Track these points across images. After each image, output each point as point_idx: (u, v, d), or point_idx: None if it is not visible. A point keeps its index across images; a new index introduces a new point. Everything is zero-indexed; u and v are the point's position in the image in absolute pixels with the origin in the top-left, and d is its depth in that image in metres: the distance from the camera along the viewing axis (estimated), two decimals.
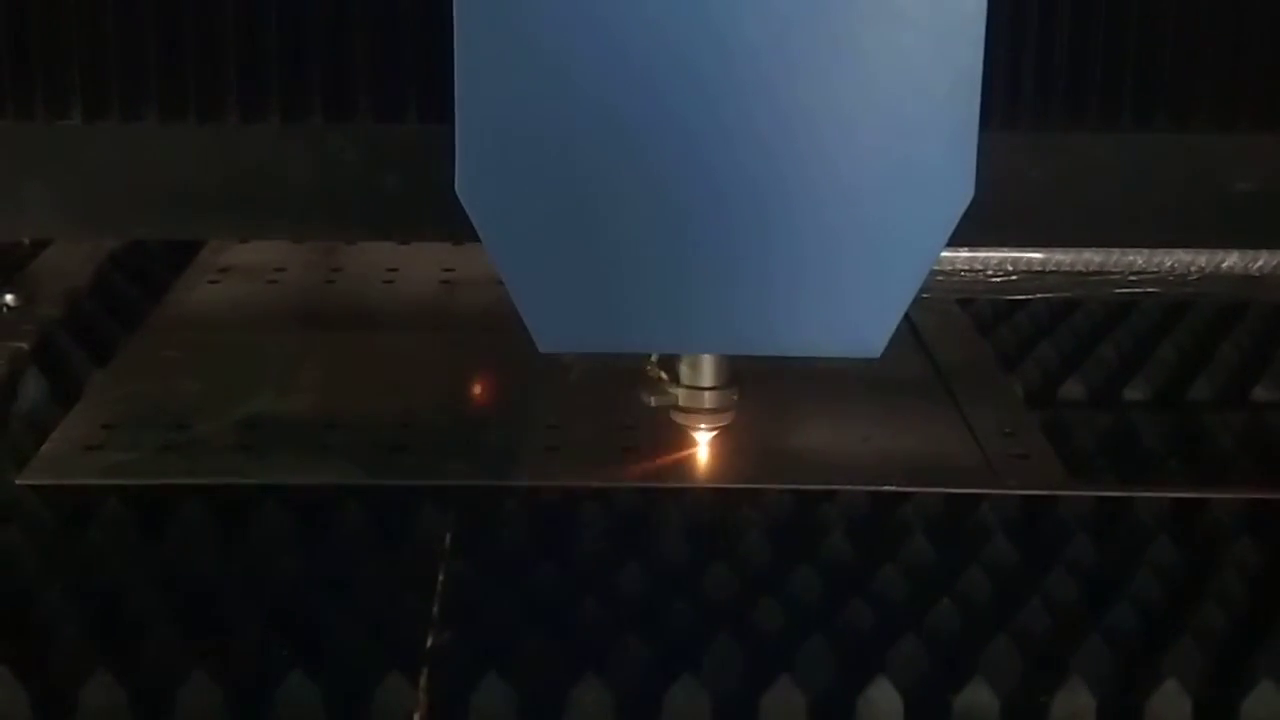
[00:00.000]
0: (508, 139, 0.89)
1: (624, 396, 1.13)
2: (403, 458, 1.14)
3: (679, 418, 1.07)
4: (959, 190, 0.90)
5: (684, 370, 1.05)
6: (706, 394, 1.05)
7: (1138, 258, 1.36)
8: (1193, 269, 1.35)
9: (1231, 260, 1.37)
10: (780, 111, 0.89)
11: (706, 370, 1.05)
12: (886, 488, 1.11)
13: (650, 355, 1.06)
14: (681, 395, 1.06)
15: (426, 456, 1.14)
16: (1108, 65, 1.08)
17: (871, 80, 0.89)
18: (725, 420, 1.07)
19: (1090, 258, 1.38)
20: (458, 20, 0.89)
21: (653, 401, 1.07)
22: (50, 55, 1.08)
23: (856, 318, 0.92)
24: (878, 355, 0.93)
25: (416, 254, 1.49)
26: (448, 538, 1.07)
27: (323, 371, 1.27)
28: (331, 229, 1.22)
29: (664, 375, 1.06)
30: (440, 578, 1.03)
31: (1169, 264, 1.35)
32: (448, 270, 1.47)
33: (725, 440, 1.12)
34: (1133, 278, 1.37)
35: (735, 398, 1.06)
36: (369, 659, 0.94)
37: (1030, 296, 1.42)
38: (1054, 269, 1.39)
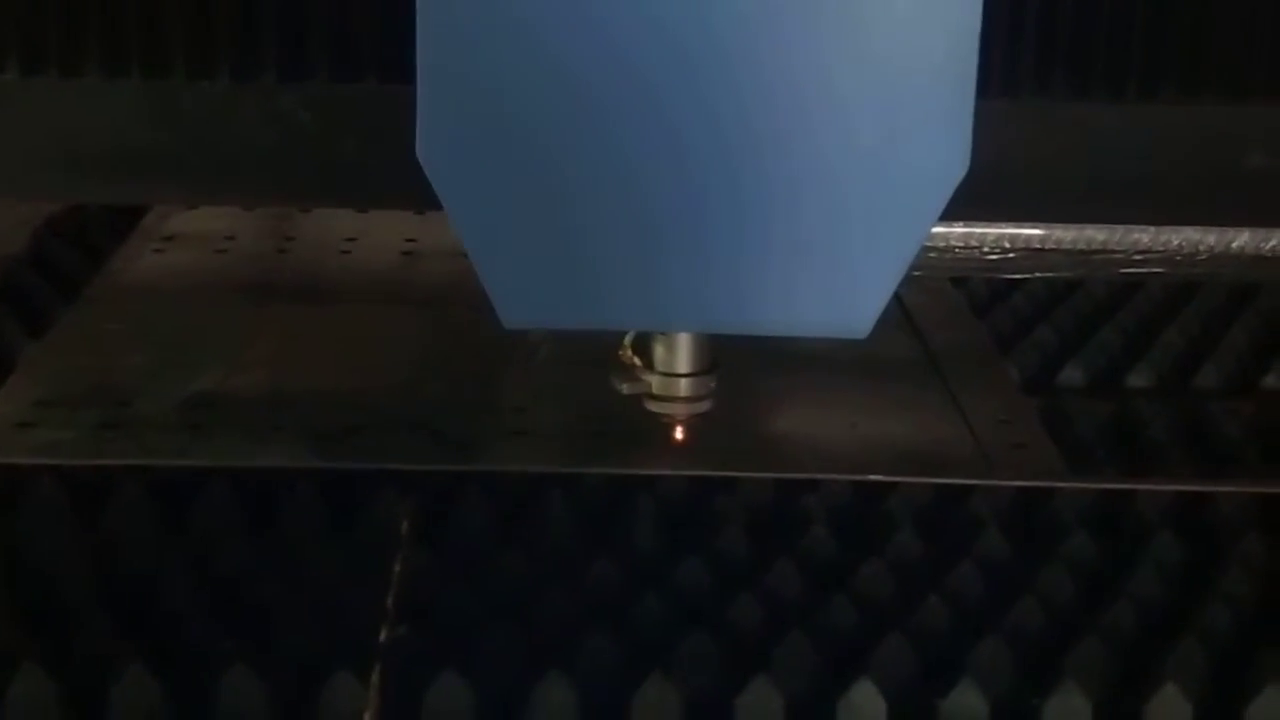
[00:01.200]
0: (472, 100, 0.89)
1: (594, 377, 1.12)
2: (358, 439, 1.14)
3: (653, 406, 1.06)
4: (953, 162, 0.90)
5: (659, 355, 1.04)
6: (682, 381, 1.04)
7: (1143, 236, 1.36)
8: (1201, 248, 1.35)
9: (1242, 239, 1.37)
10: (762, 77, 0.88)
11: (683, 355, 1.04)
12: (872, 477, 1.11)
13: (624, 336, 1.05)
14: (656, 382, 1.05)
15: (383, 438, 1.14)
16: (1113, 31, 1.08)
17: (859, 44, 0.88)
18: (702, 408, 1.06)
19: (1093, 235, 1.38)
20: None
21: (625, 388, 1.06)
22: None
23: (843, 295, 0.92)
24: (865, 335, 0.93)
25: (376, 222, 1.49)
26: (404, 525, 1.06)
27: (274, 347, 1.26)
28: (285, 194, 1.21)
29: (638, 360, 1.06)
30: (396, 568, 1.03)
31: (1176, 243, 1.35)
32: (410, 240, 1.46)
33: (701, 425, 1.12)
34: (1138, 257, 1.37)
35: (713, 385, 1.05)
36: (317, 654, 0.93)
37: (1029, 276, 1.42)
38: (1054, 246, 1.39)
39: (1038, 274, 1.42)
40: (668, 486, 1.10)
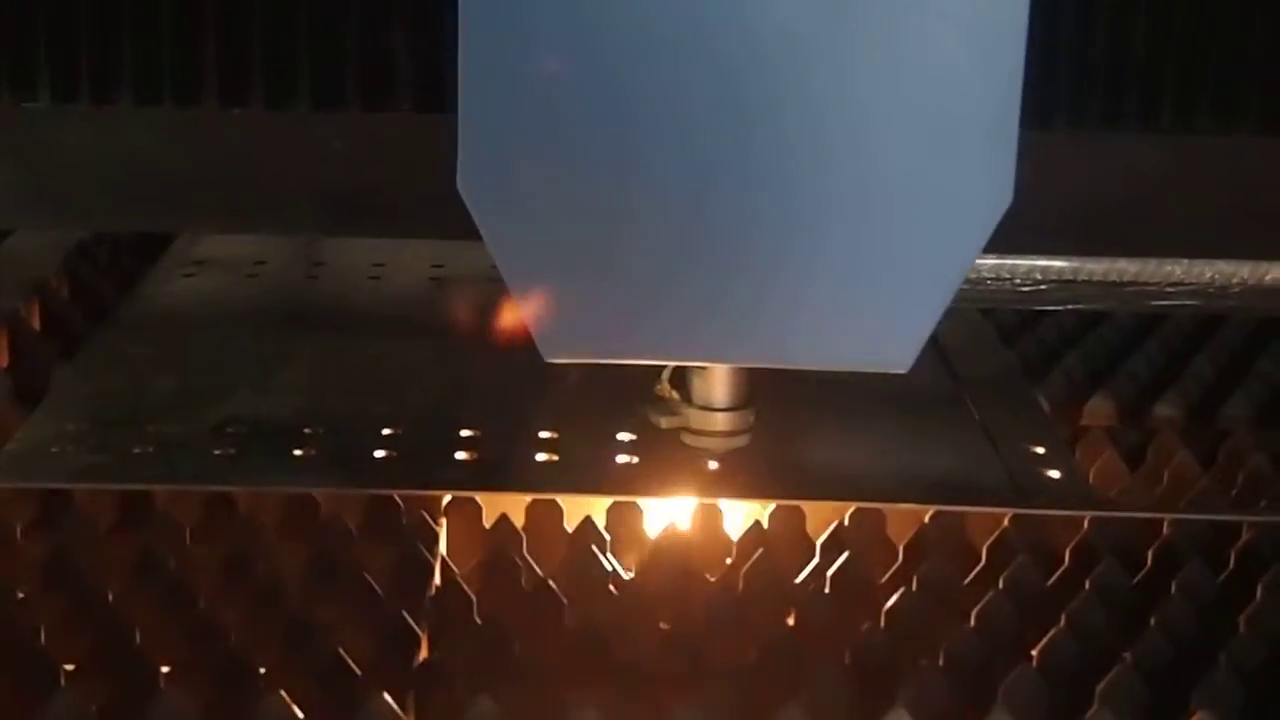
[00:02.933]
0: (513, 132, 0.89)
1: (626, 403, 1.13)
2: (389, 463, 1.14)
3: (690, 440, 1.07)
4: (997, 194, 0.90)
5: (696, 389, 1.05)
6: (720, 415, 1.05)
7: (1176, 268, 1.36)
8: (1234, 281, 1.35)
9: (1276, 273, 1.37)
10: (806, 108, 0.89)
11: (720, 389, 1.04)
12: (904, 505, 1.11)
13: (660, 371, 1.06)
14: (693, 416, 1.06)
15: (414, 462, 1.14)
16: (1147, 62, 1.08)
17: (901, 76, 0.89)
18: (739, 443, 1.06)
19: (1125, 268, 1.38)
20: (462, 3, 0.89)
21: (663, 423, 1.07)
22: (16, 32, 1.08)
23: (884, 329, 0.92)
24: (906, 369, 0.93)
25: (404, 249, 1.50)
26: (437, 549, 1.07)
27: (304, 371, 1.27)
28: (316, 223, 1.22)
29: (675, 395, 1.06)
30: (429, 591, 1.03)
31: (1209, 275, 1.35)
32: (437, 266, 1.47)
33: (733, 452, 1.12)
34: (1169, 289, 1.38)
35: (751, 419, 1.06)
36: (353, 679, 0.94)
37: (1061, 308, 1.42)
38: (1085, 279, 1.39)
39: (1069, 306, 1.42)
40: (695, 511, 1.11)
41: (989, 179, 0.89)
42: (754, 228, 0.90)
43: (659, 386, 1.06)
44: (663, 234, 0.90)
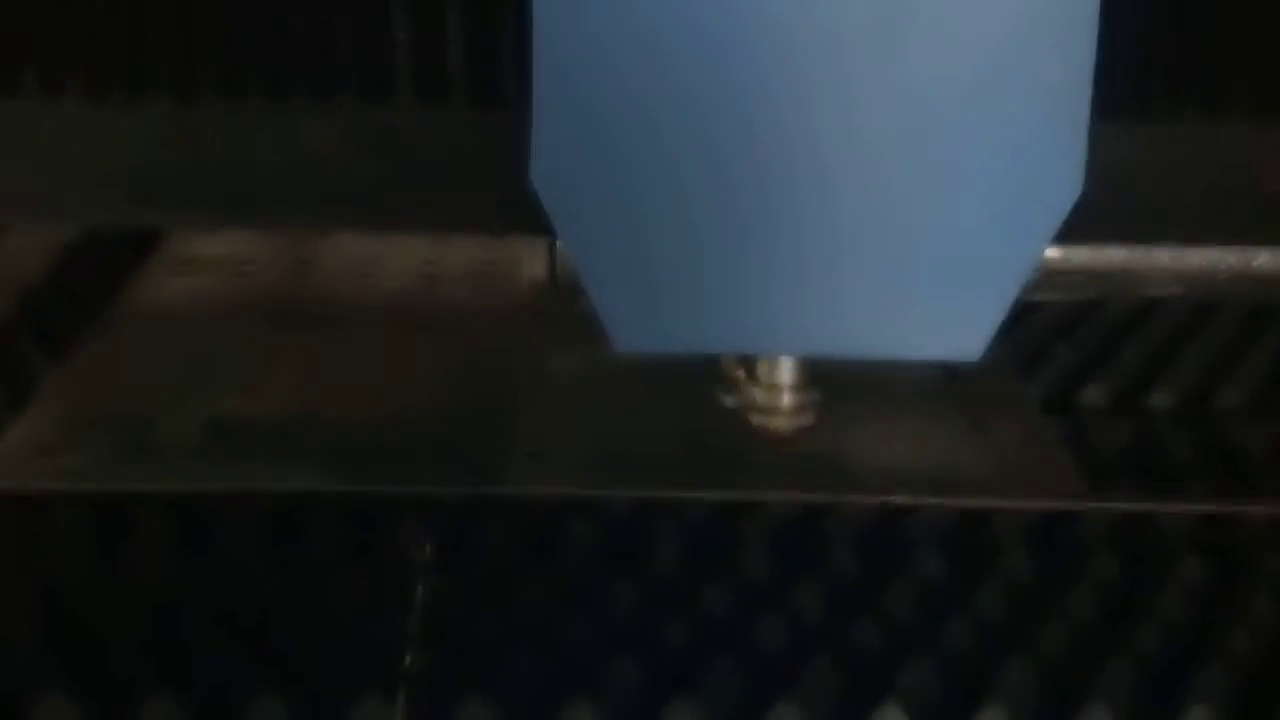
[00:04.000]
0: (586, 124, 0.88)
1: (619, 399, 1.13)
2: (380, 463, 1.14)
3: (756, 418, 1.06)
4: (1067, 184, 0.90)
5: (762, 368, 1.04)
6: (786, 394, 1.04)
7: (1163, 256, 1.36)
8: (1221, 268, 1.35)
9: (1262, 260, 1.37)
10: (879, 102, 0.88)
11: (786, 368, 1.04)
12: (894, 499, 1.10)
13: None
14: (759, 394, 1.05)
15: (406, 462, 1.14)
16: (1137, 53, 1.08)
17: (974, 64, 0.88)
18: (805, 421, 1.06)
19: (1112, 256, 1.38)
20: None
21: (729, 401, 1.06)
22: (6, 28, 1.07)
23: (955, 318, 0.92)
24: (976, 358, 0.93)
25: (395, 246, 1.49)
26: (429, 549, 1.06)
27: (295, 370, 1.27)
28: (307, 219, 1.22)
29: (742, 373, 1.05)
30: (420, 591, 1.03)
31: (1197, 263, 1.35)
32: (428, 263, 1.47)
33: (724, 447, 1.12)
34: (1158, 277, 1.37)
35: (817, 398, 1.05)
36: (343, 679, 0.94)
37: (1049, 297, 1.42)
38: (1074, 268, 1.39)
39: (1058, 295, 1.42)
40: (690, 509, 1.10)
41: (1060, 169, 0.89)
42: (824, 220, 0.90)
43: (724, 365, 1.05)
44: (733, 226, 0.89)
